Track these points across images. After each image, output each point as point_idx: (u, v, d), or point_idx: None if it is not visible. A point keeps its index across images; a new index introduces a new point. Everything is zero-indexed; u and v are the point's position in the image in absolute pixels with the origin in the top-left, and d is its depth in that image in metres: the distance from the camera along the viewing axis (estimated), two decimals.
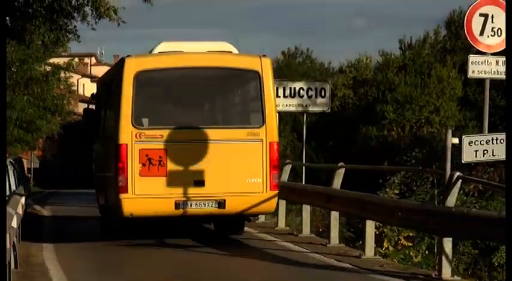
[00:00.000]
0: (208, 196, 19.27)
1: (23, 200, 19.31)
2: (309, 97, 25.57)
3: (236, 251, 19.06)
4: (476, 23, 17.08)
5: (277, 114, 24.52)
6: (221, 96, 22.14)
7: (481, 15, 17.10)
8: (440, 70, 44.41)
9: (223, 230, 21.37)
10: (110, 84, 21.70)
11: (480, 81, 17.56)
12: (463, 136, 16.83)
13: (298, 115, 26.58)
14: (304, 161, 28.11)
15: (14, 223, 13.98)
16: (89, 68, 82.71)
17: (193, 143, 19.81)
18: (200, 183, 19.19)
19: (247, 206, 19.98)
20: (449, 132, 16.05)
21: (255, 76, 20.67)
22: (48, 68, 44.27)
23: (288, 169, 24.47)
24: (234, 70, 21.60)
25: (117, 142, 19.44)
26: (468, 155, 16.30)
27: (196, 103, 21.85)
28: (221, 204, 19.27)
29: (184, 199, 19.17)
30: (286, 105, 25.59)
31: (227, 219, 20.66)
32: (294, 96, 25.34)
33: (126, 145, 19.09)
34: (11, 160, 22.18)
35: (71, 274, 15.25)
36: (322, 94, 25.84)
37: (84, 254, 18.80)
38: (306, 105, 25.57)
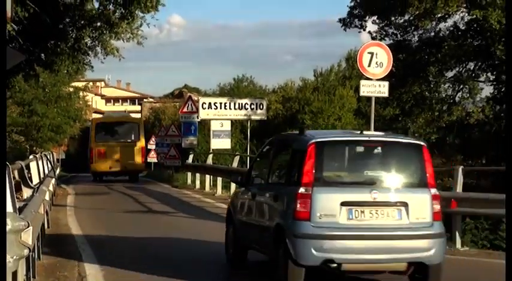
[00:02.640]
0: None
1: (53, 180, 20.38)
2: (252, 109, 27.44)
3: (196, 214, 20.24)
4: (366, 58, 17.51)
5: (230, 121, 27.20)
6: None
7: (368, 52, 17.60)
8: (342, 91, 48.26)
9: None
10: None
11: (368, 98, 18.95)
12: None
13: (244, 122, 28.61)
14: (248, 153, 29.88)
15: (47, 196, 14.69)
16: (99, 89, 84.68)
17: None
18: None
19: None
20: None
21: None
22: (71, 89, 48.24)
23: (237, 158, 26.82)
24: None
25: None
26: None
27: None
28: None
29: None
30: (236, 115, 27.54)
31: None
32: (241, 109, 27.19)
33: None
34: (45, 153, 23.64)
35: (87, 233, 16.33)
36: (261, 107, 27.85)
37: (94, 216, 19.79)
38: (250, 115, 27.47)
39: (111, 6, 24.03)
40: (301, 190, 9.96)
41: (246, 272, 12.03)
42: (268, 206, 11.08)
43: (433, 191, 10.37)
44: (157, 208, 21.21)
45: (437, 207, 10.33)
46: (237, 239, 12.28)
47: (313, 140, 10.44)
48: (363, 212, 10.05)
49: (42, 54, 25.90)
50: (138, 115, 79.46)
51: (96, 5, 24.64)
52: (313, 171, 10.09)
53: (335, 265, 9.93)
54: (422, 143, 11.09)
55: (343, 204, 9.96)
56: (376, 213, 10.11)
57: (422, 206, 10.28)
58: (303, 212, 9.92)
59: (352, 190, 10.35)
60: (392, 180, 10.59)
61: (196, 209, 21.66)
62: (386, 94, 18.60)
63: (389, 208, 10.17)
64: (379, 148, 10.97)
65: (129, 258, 13.12)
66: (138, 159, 38.73)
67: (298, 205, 9.95)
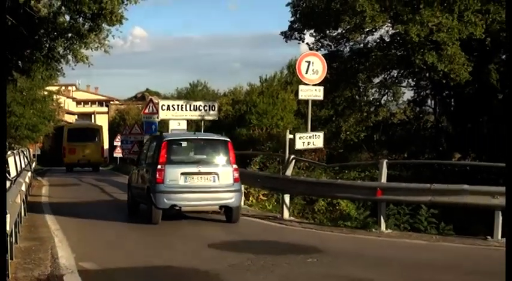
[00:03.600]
0: None
1: (29, 173, 20.19)
2: (205, 110, 27.26)
3: None
4: (304, 66, 17.55)
5: (186, 121, 27.14)
6: None
7: (306, 61, 17.65)
8: (284, 94, 48.50)
9: None
10: None
11: (306, 101, 18.98)
12: (296, 134, 17.74)
13: (199, 121, 28.53)
14: None
15: (23, 187, 14.71)
16: (71, 92, 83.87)
17: None
18: None
19: None
20: (288, 131, 18.08)
21: None
22: (45, 93, 47.99)
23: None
24: None
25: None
26: (299, 145, 17.30)
27: None
28: None
29: None
30: (191, 116, 27.45)
31: None
32: (196, 110, 27.01)
33: None
34: (22, 150, 23.37)
35: (58, 218, 16.15)
36: (213, 109, 27.60)
37: (66, 204, 19.25)
38: (203, 116, 27.20)
39: (80, 20, 23.81)
40: (159, 166, 15.08)
41: (137, 216, 16.64)
42: (144, 176, 16.14)
43: (234, 166, 15.53)
44: (122, 197, 20.90)
45: (236, 175, 15.47)
46: (131, 196, 17.36)
47: (166, 139, 16.06)
48: (192, 178, 15.15)
49: (20, 62, 25.67)
50: (106, 116, 79.16)
51: (68, 18, 24.43)
52: (165, 156, 15.29)
53: (178, 207, 15.23)
54: (227, 139, 16.37)
55: (182, 174, 15.13)
56: (201, 178, 15.22)
57: (227, 175, 15.36)
58: (159, 179, 14.98)
59: (186, 166, 15.43)
60: (210, 160, 15.96)
61: None
62: (321, 97, 18.69)
63: (208, 175, 15.29)
64: (202, 143, 16.51)
65: (97, 240, 13.12)
66: (98, 155, 44.80)
67: (157, 175, 15.00)
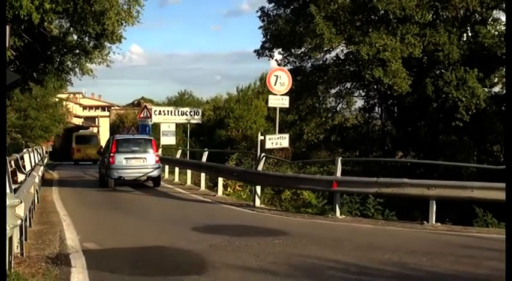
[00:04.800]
0: None
1: (42, 167, 20.13)
2: (191, 115, 27.34)
3: (150, 192, 20.13)
4: (272, 79, 17.64)
5: (175, 124, 27.21)
6: None
7: (274, 75, 17.75)
8: (256, 102, 48.24)
9: None
10: None
11: (274, 108, 19.08)
12: (266, 135, 18.03)
13: (185, 124, 28.48)
14: (188, 147, 29.59)
15: (36, 179, 14.53)
16: (78, 99, 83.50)
17: None
18: None
19: None
20: (259, 133, 18.32)
21: None
22: (56, 99, 49.14)
23: (179, 151, 26.32)
24: None
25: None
26: (268, 145, 17.45)
27: None
28: None
29: None
30: (179, 119, 27.44)
31: None
32: (183, 115, 27.09)
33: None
34: (36, 147, 23.38)
35: (67, 206, 16.00)
36: (197, 114, 27.68)
37: (74, 194, 19.41)
38: (189, 120, 27.30)
39: (86, 39, 23.89)
40: (111, 154, 20.77)
41: (104, 188, 20.73)
42: (105, 161, 21.37)
43: (155, 153, 21.57)
44: (120, 187, 20.87)
45: (157, 158, 21.44)
46: (100, 175, 22.43)
47: (115, 138, 22.18)
48: (131, 160, 20.98)
49: (34, 74, 25.66)
50: (107, 119, 78.68)
51: (75, 37, 24.48)
52: (115, 148, 21.00)
53: (123, 178, 20.92)
54: (151, 138, 22.71)
55: (124, 158, 20.90)
56: (136, 161, 21.06)
57: (151, 158, 21.21)
58: (112, 161, 20.67)
59: (127, 153, 21.10)
60: (141, 150, 21.47)
61: (148, 189, 21.27)
62: (287, 105, 18.71)
63: (140, 159, 21.11)
64: (137, 140, 22.55)
65: (98, 224, 13.08)
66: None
67: (110, 159, 20.70)
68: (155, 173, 21.19)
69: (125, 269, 8.42)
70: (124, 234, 11.65)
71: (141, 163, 21.04)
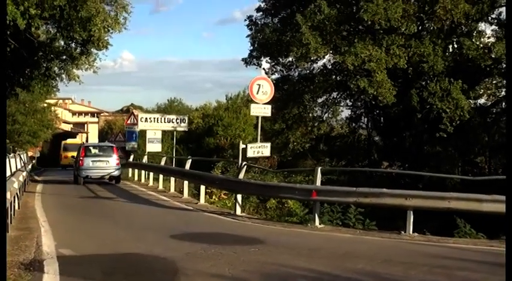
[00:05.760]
0: None
1: (24, 173, 19.83)
2: (177, 123, 27.43)
3: (133, 199, 20.12)
4: (255, 88, 17.55)
5: (161, 131, 27.57)
6: None
7: (257, 84, 17.61)
8: (245, 110, 48.13)
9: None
10: None
11: (257, 117, 19.01)
12: (248, 144, 17.66)
13: (173, 131, 28.53)
14: (174, 155, 29.61)
15: (16, 185, 14.57)
16: (68, 105, 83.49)
17: None
18: None
19: None
20: (241, 142, 17.96)
21: None
22: (45, 105, 49.34)
23: (164, 158, 26.13)
24: None
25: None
26: (250, 153, 17.26)
27: None
28: None
29: None
30: (166, 127, 27.53)
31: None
32: (169, 122, 27.26)
33: None
34: (19, 153, 23.13)
35: (47, 212, 15.91)
36: (184, 121, 27.73)
37: (56, 200, 19.27)
38: (175, 127, 27.36)
39: (73, 45, 24.01)
40: (80, 158, 25.86)
41: (77, 185, 24.33)
42: (76, 163, 26.86)
43: (116, 157, 26.61)
44: (103, 194, 20.91)
45: (117, 161, 26.50)
46: (74, 175, 27.40)
47: (84, 145, 28.26)
48: (96, 162, 25.90)
49: (21, 79, 25.81)
50: (96, 125, 78.50)
51: (62, 43, 24.50)
52: (83, 154, 26.06)
53: (90, 177, 25.78)
54: (113, 145, 28.35)
55: (91, 161, 25.93)
56: (100, 163, 25.98)
57: (113, 161, 26.30)
58: (81, 164, 25.78)
59: (93, 157, 26.15)
60: (104, 155, 26.54)
61: (131, 196, 21.35)
62: (269, 114, 18.62)
63: (104, 162, 26.10)
64: (101, 147, 28.10)
65: (76, 230, 13.01)
66: None
67: (79, 162, 25.92)
68: (116, 173, 26.57)
69: (97, 276, 8.41)
70: (102, 241, 11.59)
71: (105, 164, 26.23)
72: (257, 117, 18.69)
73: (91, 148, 27.74)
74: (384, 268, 9.02)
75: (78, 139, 68.85)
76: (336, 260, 9.59)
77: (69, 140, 58.53)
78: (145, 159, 30.27)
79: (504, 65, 23.27)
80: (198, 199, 19.71)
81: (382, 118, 31.07)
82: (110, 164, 26.19)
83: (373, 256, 9.97)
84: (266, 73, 29.71)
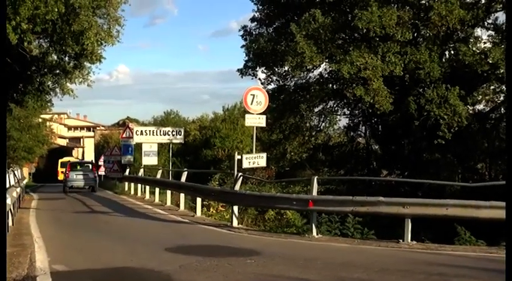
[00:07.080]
0: None
1: (18, 189, 19.89)
2: (173, 135, 27.44)
3: (128, 213, 20.15)
4: (249, 98, 17.69)
5: (157, 144, 27.51)
6: None
7: (251, 94, 17.74)
8: (243, 121, 47.73)
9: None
10: None
11: (252, 127, 19.00)
12: (243, 155, 17.66)
13: (169, 144, 28.56)
14: (171, 167, 29.42)
15: (9, 201, 14.41)
16: (63, 120, 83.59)
17: None
18: None
19: None
20: (236, 153, 17.96)
21: None
22: (40, 120, 49.52)
23: (160, 171, 26.14)
24: None
25: None
26: (245, 164, 17.25)
27: None
28: None
29: None
30: (162, 140, 27.54)
31: None
32: (165, 135, 27.27)
33: None
34: (12, 169, 23.06)
35: (42, 228, 15.87)
36: (179, 134, 27.75)
37: (51, 216, 19.31)
38: (171, 139, 27.38)
39: (66, 59, 24.04)
40: (67, 172, 34.28)
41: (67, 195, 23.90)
42: (64, 176, 34.92)
43: (94, 172, 35.49)
44: (99, 209, 20.89)
45: (95, 174, 35.36)
46: (63, 186, 34.03)
47: (69, 162, 39.16)
48: (78, 175, 34.24)
49: (15, 94, 25.74)
50: (92, 139, 78.54)
51: (55, 57, 24.53)
52: (69, 169, 34.53)
53: (74, 186, 33.68)
54: (92, 162, 42.07)
55: (75, 174, 34.07)
56: (81, 176, 34.25)
57: (91, 174, 34.69)
58: (67, 176, 34.01)
59: (76, 171, 34.64)
60: (85, 170, 35.54)
61: (127, 210, 21.33)
62: (264, 125, 18.72)
63: (84, 175, 34.36)
64: (82, 164, 39.04)
65: (70, 246, 12.97)
66: None
67: (67, 175, 34.22)
68: (93, 183, 34.55)
69: None
70: (96, 255, 11.57)
71: (85, 177, 34.21)
72: (253, 127, 18.66)
73: (75, 164, 38.11)
74: (381, 277, 9.03)
75: (74, 157, 70.37)
76: (332, 270, 9.57)
77: (65, 158, 60.31)
78: (141, 172, 30.29)
79: (502, 70, 23.27)
80: (195, 212, 19.71)
81: (380, 126, 31.07)
82: (88, 177, 34.43)
83: (370, 265, 9.96)
84: (262, 83, 29.85)
